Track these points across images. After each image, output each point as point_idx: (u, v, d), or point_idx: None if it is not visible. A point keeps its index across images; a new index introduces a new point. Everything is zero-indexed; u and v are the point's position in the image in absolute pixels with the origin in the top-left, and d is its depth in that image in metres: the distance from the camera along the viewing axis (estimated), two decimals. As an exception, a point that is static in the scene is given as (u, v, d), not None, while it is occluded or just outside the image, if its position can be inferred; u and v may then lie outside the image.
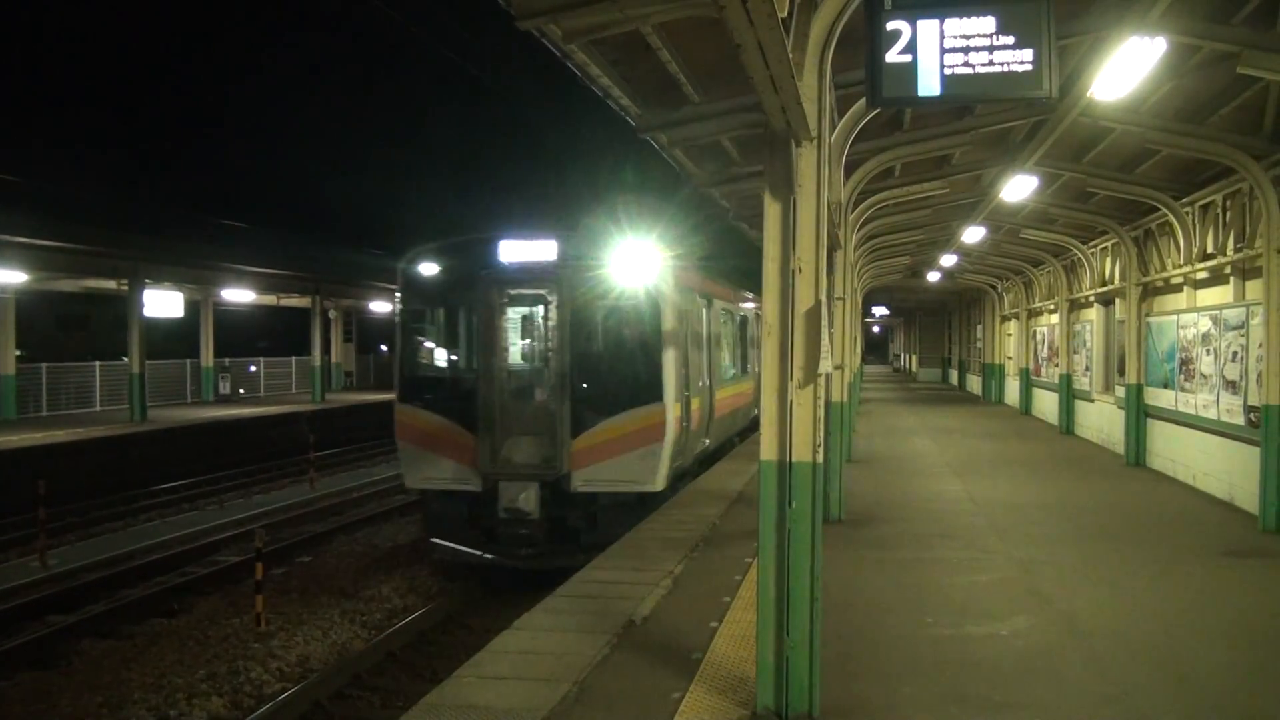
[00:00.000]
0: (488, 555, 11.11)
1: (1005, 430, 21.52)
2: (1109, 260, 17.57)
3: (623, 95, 7.84)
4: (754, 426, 19.98)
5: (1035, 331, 24.59)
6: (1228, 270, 11.88)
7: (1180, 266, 13.30)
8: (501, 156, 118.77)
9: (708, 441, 13.91)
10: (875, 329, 65.93)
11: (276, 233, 42.41)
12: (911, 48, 4.73)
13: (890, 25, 4.74)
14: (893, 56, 4.75)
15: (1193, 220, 12.70)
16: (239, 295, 31.32)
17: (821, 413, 5.03)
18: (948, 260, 22.98)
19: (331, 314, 37.84)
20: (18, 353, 24.80)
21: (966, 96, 5.41)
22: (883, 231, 16.83)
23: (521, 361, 11.81)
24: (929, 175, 12.57)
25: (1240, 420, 11.13)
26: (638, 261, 11.14)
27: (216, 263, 27.91)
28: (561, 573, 8.44)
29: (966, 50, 4.71)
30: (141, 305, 24.83)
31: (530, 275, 11.19)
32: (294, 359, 37.29)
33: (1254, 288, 10.96)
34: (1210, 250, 12.37)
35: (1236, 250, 11.51)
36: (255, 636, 9.65)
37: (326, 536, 14.60)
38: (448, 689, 5.48)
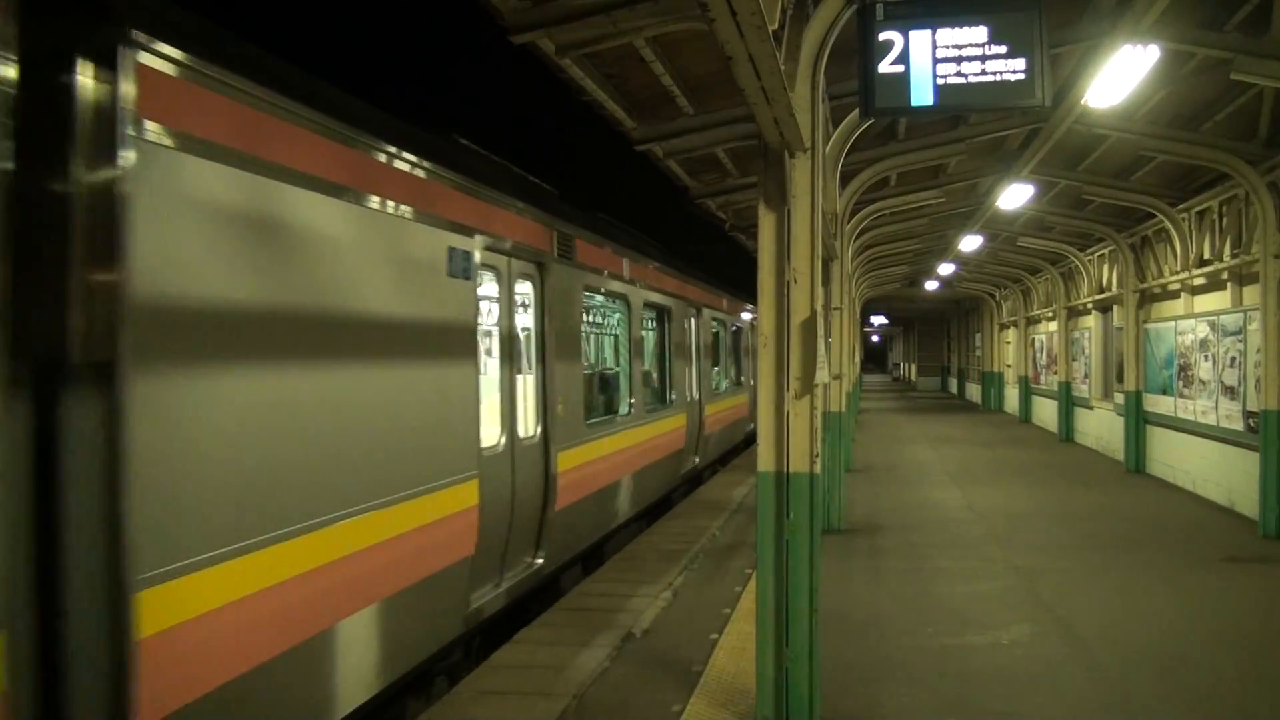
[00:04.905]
0: None
1: (1004, 438, 21.50)
2: (1106, 267, 17.60)
3: (617, 109, 7.85)
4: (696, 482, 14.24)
5: (1034, 339, 24.59)
6: (1225, 276, 11.89)
7: (1177, 273, 13.31)
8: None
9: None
10: (874, 338, 65.97)
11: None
12: (904, 58, 4.76)
13: (882, 36, 4.77)
14: (885, 67, 4.78)
15: (1189, 226, 12.72)
16: None
17: (819, 423, 5.02)
18: (945, 269, 23.03)
19: None
20: None
21: (960, 106, 5.43)
22: (880, 241, 16.85)
23: None
24: (925, 184, 12.59)
25: (1239, 426, 11.13)
26: None
27: None
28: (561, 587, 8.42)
29: (959, 60, 4.74)
30: None
31: None
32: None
33: (1251, 293, 10.98)
34: (1207, 256, 12.38)
35: (1233, 256, 11.52)
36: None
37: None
38: (446, 704, 5.46)
